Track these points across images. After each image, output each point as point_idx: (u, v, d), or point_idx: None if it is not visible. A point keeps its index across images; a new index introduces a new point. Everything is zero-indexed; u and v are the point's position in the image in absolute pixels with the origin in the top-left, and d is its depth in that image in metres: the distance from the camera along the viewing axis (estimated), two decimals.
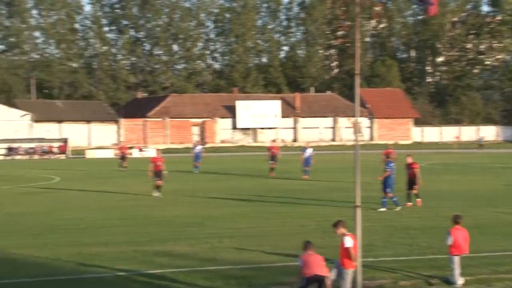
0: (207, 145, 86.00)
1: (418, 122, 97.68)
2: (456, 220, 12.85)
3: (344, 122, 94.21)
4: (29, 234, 18.35)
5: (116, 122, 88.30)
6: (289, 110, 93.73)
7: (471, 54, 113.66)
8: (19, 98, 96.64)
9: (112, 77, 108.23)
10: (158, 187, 28.08)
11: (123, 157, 47.00)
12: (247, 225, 19.77)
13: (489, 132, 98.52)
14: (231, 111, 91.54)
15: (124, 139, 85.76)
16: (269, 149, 39.90)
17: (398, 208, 23.01)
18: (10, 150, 70.47)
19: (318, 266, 11.11)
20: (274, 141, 58.02)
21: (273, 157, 38.63)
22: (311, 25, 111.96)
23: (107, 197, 28.09)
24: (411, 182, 24.25)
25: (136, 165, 48.73)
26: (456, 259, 12.46)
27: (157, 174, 28.28)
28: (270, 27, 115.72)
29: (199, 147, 44.72)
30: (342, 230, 11.44)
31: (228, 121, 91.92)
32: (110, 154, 70.71)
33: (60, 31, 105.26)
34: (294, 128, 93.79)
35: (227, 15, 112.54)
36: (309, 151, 37.51)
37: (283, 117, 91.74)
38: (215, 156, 64.05)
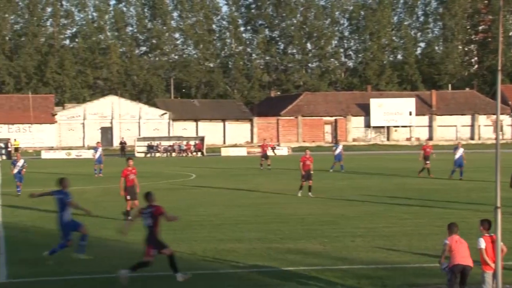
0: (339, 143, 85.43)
1: None
2: None
3: (483, 120, 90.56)
4: (167, 229, 18.99)
5: (250, 120, 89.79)
6: (424, 108, 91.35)
7: None
8: (158, 97, 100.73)
9: (246, 76, 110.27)
10: (301, 187, 27.36)
11: (265, 156, 46.53)
12: (380, 225, 19.42)
13: None
14: (364, 109, 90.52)
15: (257, 138, 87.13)
16: (423, 148, 38.73)
17: None
18: (150, 148, 73.49)
19: (464, 255, 10.73)
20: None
21: (426, 157, 37.34)
22: (450, 20, 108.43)
23: (240, 195, 28.58)
24: None
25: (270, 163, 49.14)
26: None
27: (307, 174, 27.58)
28: (406, 23, 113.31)
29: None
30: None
31: (361, 119, 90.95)
32: (243, 152, 72.05)
33: (198, 32, 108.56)
34: (430, 126, 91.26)
35: (362, 12, 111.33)
36: (460, 151, 36.19)
37: (418, 115, 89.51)
38: (347, 154, 63.52)
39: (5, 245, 16.73)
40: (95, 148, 43.09)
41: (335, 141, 44.50)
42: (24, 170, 29.57)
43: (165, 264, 12.96)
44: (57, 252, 14.42)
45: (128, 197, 20.64)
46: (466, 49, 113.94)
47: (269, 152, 49.21)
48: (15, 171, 29.14)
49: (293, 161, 53.00)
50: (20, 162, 29.55)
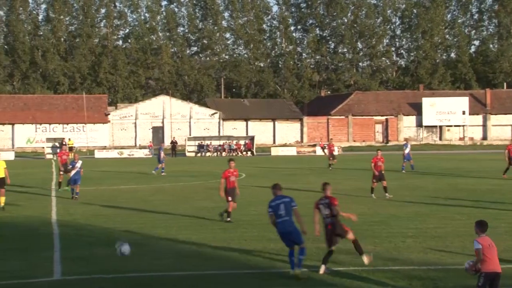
0: (391, 143, 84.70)
1: None
2: None
3: None
4: (218, 228, 19.11)
5: (300, 120, 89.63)
6: (478, 107, 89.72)
7: None
8: (209, 97, 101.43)
9: (296, 76, 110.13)
10: (373, 190, 26.77)
11: (332, 155, 46.28)
12: (432, 225, 19.14)
13: None
14: (416, 109, 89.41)
15: (307, 137, 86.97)
16: (508, 148, 36.06)
17: None
18: (201, 147, 74.05)
19: (495, 260, 10.20)
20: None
21: (511, 158, 35.38)
22: (505, 18, 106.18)
23: (290, 194, 28.49)
24: None
25: (319, 162, 49.05)
26: None
27: (379, 174, 26.93)
28: (460, 21, 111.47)
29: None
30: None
31: (413, 118, 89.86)
32: (293, 152, 71.99)
33: (248, 32, 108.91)
34: (484, 125, 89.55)
35: (415, 10, 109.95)
36: None
37: (471, 114, 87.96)
38: (398, 154, 62.85)
39: (59, 242, 17.08)
40: (159, 149, 43.76)
41: (405, 140, 44.09)
42: (82, 170, 28.22)
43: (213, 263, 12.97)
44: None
45: (230, 198, 20.51)
46: None
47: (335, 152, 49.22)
48: (73, 172, 27.67)
49: (344, 161, 52.72)
50: (79, 163, 27.95)
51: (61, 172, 31.20)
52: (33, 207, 24.52)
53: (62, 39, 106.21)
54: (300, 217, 13.27)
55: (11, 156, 68.10)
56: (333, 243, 13.55)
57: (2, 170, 23.76)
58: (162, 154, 41.87)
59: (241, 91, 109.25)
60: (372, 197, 26.26)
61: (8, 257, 15.27)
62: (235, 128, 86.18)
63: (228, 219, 20.12)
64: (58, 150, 70.32)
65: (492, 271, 10.14)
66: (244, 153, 72.84)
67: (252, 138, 75.67)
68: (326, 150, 59.00)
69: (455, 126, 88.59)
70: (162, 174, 40.58)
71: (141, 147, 79.09)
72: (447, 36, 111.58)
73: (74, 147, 73.39)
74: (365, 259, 13.49)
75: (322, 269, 13.23)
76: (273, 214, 13.20)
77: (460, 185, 31.31)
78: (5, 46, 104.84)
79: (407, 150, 41.38)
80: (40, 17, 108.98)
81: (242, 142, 74.98)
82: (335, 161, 45.75)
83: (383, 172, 27.03)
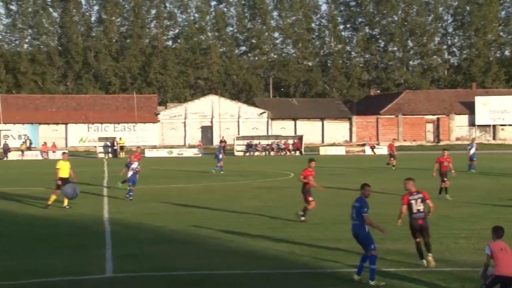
0: (441, 143, 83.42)
1: None
2: None
3: None
4: (266, 228, 19.11)
5: (349, 119, 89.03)
6: None
7: None
8: (257, 96, 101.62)
9: (345, 75, 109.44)
10: (442, 190, 26.20)
11: (392, 155, 45.56)
12: (486, 227, 18.72)
13: None
14: (468, 108, 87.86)
15: (358, 136, 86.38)
16: None
17: None
18: (249, 147, 74.22)
19: (508, 264, 10.03)
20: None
21: None
22: None
23: (339, 194, 28.37)
24: None
25: (368, 162, 48.61)
26: None
27: (444, 175, 26.39)
28: None
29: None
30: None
31: (465, 117, 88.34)
32: (342, 151, 71.58)
33: (297, 31, 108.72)
34: None
35: (467, 8, 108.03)
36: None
37: None
38: (450, 154, 61.86)
39: (111, 240, 17.33)
40: (219, 148, 45.35)
41: (471, 140, 43.24)
42: (138, 171, 27.55)
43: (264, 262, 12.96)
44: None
45: (311, 198, 20.44)
46: None
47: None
48: (130, 173, 26.94)
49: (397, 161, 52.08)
50: (135, 164, 27.29)
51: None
52: (86, 205, 24.95)
53: (113, 40, 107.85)
54: (372, 222, 12.80)
55: (60, 155, 69.37)
56: (418, 237, 13.83)
57: (67, 170, 24.42)
58: (221, 154, 43.17)
59: (289, 91, 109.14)
60: (448, 199, 25.43)
61: (62, 254, 15.58)
62: (284, 128, 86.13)
63: (303, 218, 19.99)
64: (109, 150, 71.76)
65: (503, 274, 10.00)
66: (293, 152, 72.71)
67: (300, 138, 75.50)
68: (382, 150, 58.04)
69: (509, 125, 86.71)
70: (222, 172, 41.30)
71: (190, 147, 79.73)
72: (501, 33, 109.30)
73: (125, 146, 74.48)
74: (430, 260, 13.58)
75: (431, 262, 13.55)
76: (350, 215, 13.04)
77: None
78: (59, 48, 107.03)
79: (472, 151, 40.35)
80: (93, 19, 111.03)
81: (290, 141, 74.87)
82: (395, 161, 44.75)
83: (447, 172, 26.32)
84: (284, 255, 15.06)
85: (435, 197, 25.46)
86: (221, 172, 41.24)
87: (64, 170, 24.31)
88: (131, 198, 26.25)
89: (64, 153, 26.20)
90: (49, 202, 24.05)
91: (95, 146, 75.96)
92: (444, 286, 12.27)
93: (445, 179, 26.11)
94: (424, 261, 13.70)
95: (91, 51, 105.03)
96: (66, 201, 24.04)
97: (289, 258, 14.73)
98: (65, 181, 24.04)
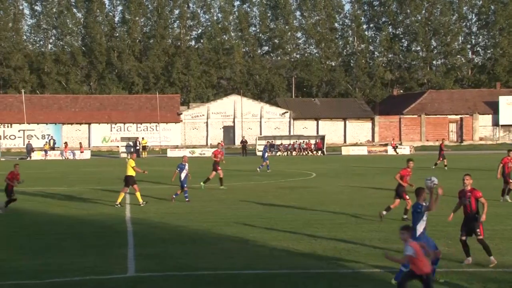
0: (465, 143, 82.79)
1: None
2: None
3: None
4: (289, 227, 19.13)
5: (372, 119, 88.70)
6: None
7: None
8: (280, 96, 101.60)
9: (368, 75, 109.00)
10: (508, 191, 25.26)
11: (443, 156, 44.63)
12: (510, 227, 18.62)
13: None
14: (492, 107, 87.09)
15: (381, 136, 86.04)
16: None
17: None
18: (272, 147, 74.20)
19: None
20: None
21: None
22: None
23: (362, 194, 28.31)
24: None
25: (391, 162, 48.36)
26: None
27: (508, 176, 25.51)
28: None
29: None
30: None
31: (489, 117, 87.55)
32: (364, 151, 71.32)
33: (320, 30, 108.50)
34: None
35: (492, 7, 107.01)
36: None
37: None
38: (472, 154, 61.48)
39: (133, 239, 17.46)
40: (264, 147, 47.37)
41: None
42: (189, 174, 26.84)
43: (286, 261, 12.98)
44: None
45: (407, 197, 20.37)
46: None
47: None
48: (183, 176, 26.18)
49: (417, 161, 51.89)
50: (187, 166, 26.62)
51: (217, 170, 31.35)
52: (108, 205, 25.15)
53: (137, 40, 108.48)
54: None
55: (87, 155, 70.11)
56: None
57: (131, 169, 25.15)
58: (267, 153, 44.96)
59: (312, 91, 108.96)
60: (508, 201, 24.82)
61: (86, 253, 15.73)
62: (306, 128, 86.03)
63: (384, 212, 20.16)
64: (132, 150, 72.24)
65: None
66: (315, 152, 72.61)
67: (322, 138, 75.36)
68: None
69: None
70: (268, 171, 42.29)
71: (212, 146, 79.94)
72: None
73: (147, 146, 74.90)
74: (492, 262, 13.84)
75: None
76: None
77: None
78: (83, 48, 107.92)
79: None
80: (116, 19, 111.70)
81: (312, 141, 74.76)
82: (445, 161, 43.96)
83: (510, 173, 25.43)
84: (305, 255, 15.07)
85: (499, 200, 24.84)
86: (268, 171, 42.27)
87: None
88: (187, 199, 25.78)
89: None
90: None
91: (118, 146, 76.43)
92: (466, 287, 12.22)
93: (511, 180, 25.16)
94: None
95: (115, 51, 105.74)
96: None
97: (310, 258, 14.74)
98: (130, 178, 25.13)
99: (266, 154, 44.42)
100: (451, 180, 29.97)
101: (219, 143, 39.27)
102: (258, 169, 42.98)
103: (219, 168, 31.59)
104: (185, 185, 26.09)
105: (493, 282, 12.48)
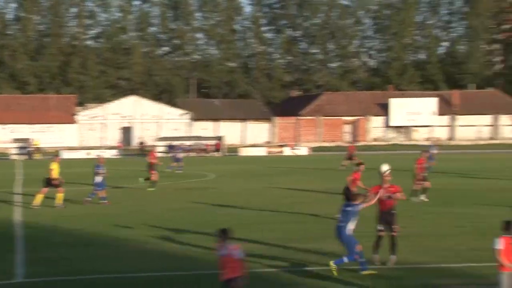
0: (359, 143, 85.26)
1: None
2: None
3: (506, 120, 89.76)
4: (186, 229, 19.01)
5: (270, 120, 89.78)
6: (446, 107, 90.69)
7: None
8: (180, 97, 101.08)
9: (268, 76, 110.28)
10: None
11: (348, 156, 44.50)
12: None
13: None
14: (385, 109, 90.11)
15: (279, 137, 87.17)
16: None
17: None
18: (170, 148, 73.66)
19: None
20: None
21: None
22: (475, 19, 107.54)
23: (259, 194, 28.54)
24: None
25: (288, 163, 49.00)
26: None
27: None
28: (429, 22, 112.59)
29: None
30: None
31: (381, 119, 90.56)
32: (263, 152, 72.04)
33: (220, 32, 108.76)
34: (451, 126, 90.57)
35: (387, 12, 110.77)
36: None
37: (440, 114, 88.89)
38: (365, 154, 63.26)
39: (24, 244, 16.85)
40: (177, 148, 48.54)
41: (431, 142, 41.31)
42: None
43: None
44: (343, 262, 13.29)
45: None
46: (490, 48, 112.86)
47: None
48: (100, 179, 25.41)
49: (314, 161, 52.94)
50: (102, 167, 25.65)
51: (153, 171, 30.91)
52: None
53: (31, 38, 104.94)
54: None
55: None
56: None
57: (53, 171, 24.63)
58: (180, 154, 45.36)
59: (212, 92, 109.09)
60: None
61: None
62: (206, 129, 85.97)
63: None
64: (23, 151, 69.74)
65: None
66: (213, 153, 72.69)
67: (221, 138, 75.60)
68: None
69: (422, 126, 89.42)
70: (178, 171, 42.36)
71: (109, 148, 78.45)
72: (417, 37, 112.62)
73: (41, 147, 72.55)
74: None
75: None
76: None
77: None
78: None
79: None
80: (9, 16, 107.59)
81: (211, 142, 74.83)
82: (347, 162, 43.34)
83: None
84: (200, 256, 15.03)
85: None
86: (178, 172, 42.17)
87: None
88: (105, 202, 24.97)
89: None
90: None
91: (8, 147, 73.62)
92: (360, 284, 12.55)
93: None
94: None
95: (7, 49, 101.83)
96: None
97: (205, 259, 14.71)
98: (49, 181, 24.58)
99: (181, 155, 45.16)
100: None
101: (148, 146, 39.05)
102: (168, 169, 42.74)
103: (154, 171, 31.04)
104: (101, 188, 25.34)
105: (384, 278, 12.88)
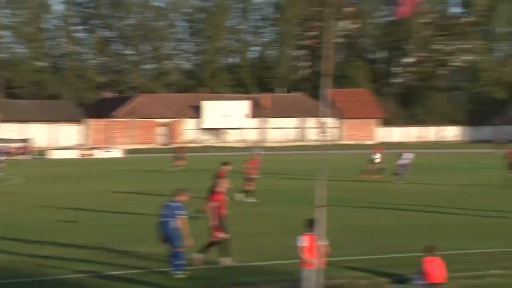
0: (172, 145, 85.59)
1: (387, 123, 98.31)
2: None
3: (311, 122, 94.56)
4: None
5: (83, 122, 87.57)
6: (257, 110, 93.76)
7: (439, 55, 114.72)
8: None
9: (80, 77, 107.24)
10: None
11: (178, 157, 44.81)
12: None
13: (454, 133, 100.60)
14: (198, 111, 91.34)
15: (92, 139, 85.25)
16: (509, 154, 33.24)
17: None
18: None
19: None
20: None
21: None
22: (284, 26, 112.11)
23: (70, 198, 27.70)
24: None
25: (99, 165, 48.10)
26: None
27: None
28: (241, 27, 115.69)
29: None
30: None
31: (195, 121, 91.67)
32: (75, 155, 70.20)
33: (29, 30, 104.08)
34: (261, 128, 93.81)
35: (201, 15, 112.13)
36: (407, 156, 33.80)
37: (252, 117, 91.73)
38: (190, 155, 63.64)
39: None
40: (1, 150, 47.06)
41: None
42: None
43: None
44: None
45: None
46: (297, 54, 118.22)
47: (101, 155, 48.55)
48: None
49: (127, 163, 52.37)
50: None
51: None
52: None
53: None
54: None
55: None
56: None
57: None
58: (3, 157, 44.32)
59: (19, 92, 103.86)
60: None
61: None
62: (13, 131, 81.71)
63: None
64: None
65: None
66: (21, 156, 69.26)
67: (29, 141, 72.48)
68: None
69: (234, 128, 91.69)
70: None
71: None
72: (229, 41, 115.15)
73: None
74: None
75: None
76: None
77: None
78: None
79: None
80: None
81: (17, 145, 71.36)
82: (178, 162, 44.11)
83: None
84: (3, 265, 14.26)
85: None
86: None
87: None
88: None
89: None
90: None
91: None
92: (170, 285, 12.59)
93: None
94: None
95: None
96: None
97: (7, 267, 13.97)
98: None
99: (3, 157, 44.35)
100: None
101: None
102: None
103: None
104: None
105: (196, 279, 13.02)
